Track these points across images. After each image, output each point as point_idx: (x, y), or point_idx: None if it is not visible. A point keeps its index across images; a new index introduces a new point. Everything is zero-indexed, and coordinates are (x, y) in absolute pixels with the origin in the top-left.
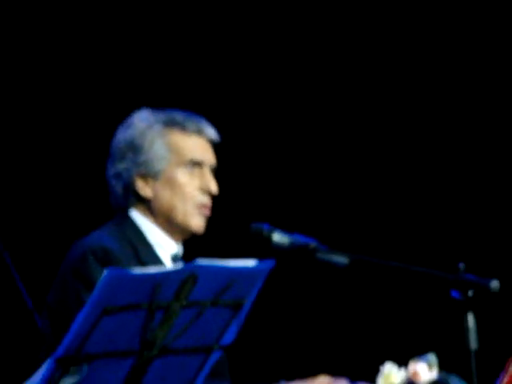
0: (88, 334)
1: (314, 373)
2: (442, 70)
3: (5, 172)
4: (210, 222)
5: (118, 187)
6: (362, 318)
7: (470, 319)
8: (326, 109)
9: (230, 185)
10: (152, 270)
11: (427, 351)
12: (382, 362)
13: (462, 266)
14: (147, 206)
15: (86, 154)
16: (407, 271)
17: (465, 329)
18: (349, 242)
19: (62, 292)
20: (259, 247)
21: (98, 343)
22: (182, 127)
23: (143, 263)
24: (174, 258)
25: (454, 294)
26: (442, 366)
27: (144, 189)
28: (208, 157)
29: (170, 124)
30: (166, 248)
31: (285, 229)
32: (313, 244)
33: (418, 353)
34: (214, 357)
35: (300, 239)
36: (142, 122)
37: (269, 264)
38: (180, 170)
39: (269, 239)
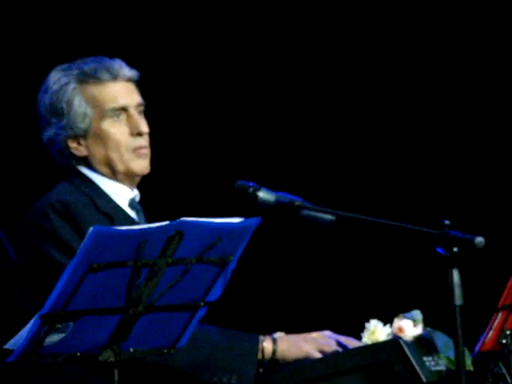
0: (74, 292)
1: (299, 329)
2: (432, 57)
3: None
4: (196, 180)
5: (55, 151)
6: (348, 274)
7: (455, 275)
8: (306, 75)
9: (215, 144)
10: (137, 226)
11: (412, 307)
12: (367, 319)
13: (447, 222)
14: (89, 162)
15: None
16: (392, 228)
17: (450, 285)
18: (334, 199)
19: (30, 253)
20: (245, 205)
21: (83, 300)
22: (96, 78)
23: (103, 213)
24: (131, 203)
25: (439, 250)
26: (427, 322)
27: (78, 149)
28: (130, 99)
29: (83, 78)
30: (122, 195)
31: (270, 187)
32: (298, 201)
33: (403, 309)
34: (200, 313)
35: (285, 197)
36: (56, 83)
37: (255, 221)
38: (105, 121)
39: (254, 197)
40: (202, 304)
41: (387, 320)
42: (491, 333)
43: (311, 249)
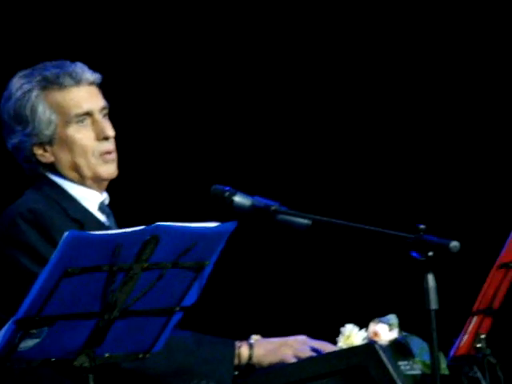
0: (48, 296)
1: (276, 333)
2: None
3: None
4: (171, 184)
5: (21, 159)
6: (323, 279)
7: (430, 279)
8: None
9: (192, 147)
10: (113, 231)
11: (388, 312)
12: (342, 324)
13: (422, 226)
14: (56, 168)
15: None
16: (368, 232)
17: (425, 289)
18: (310, 204)
19: (0, 262)
20: (221, 209)
21: (58, 305)
22: (58, 84)
23: (73, 219)
24: (101, 207)
25: (415, 254)
26: (403, 327)
27: (44, 156)
28: (94, 103)
29: (46, 84)
30: (91, 199)
31: (246, 192)
32: (274, 206)
33: (379, 314)
34: (176, 318)
35: (261, 201)
36: (19, 90)
37: (230, 225)
38: (70, 127)
39: (230, 201)
40: (178, 309)
41: (363, 324)
42: (466, 337)
43: (287, 253)
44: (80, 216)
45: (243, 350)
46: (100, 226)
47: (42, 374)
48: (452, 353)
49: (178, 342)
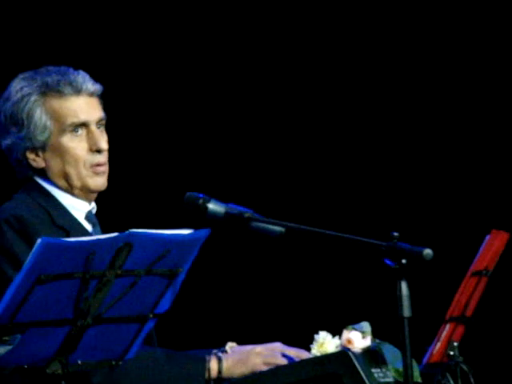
0: (21, 303)
1: (250, 340)
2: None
3: None
4: (145, 191)
5: (12, 159)
6: (297, 286)
7: (404, 287)
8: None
9: (164, 154)
10: (86, 238)
11: (361, 319)
12: (316, 331)
13: (395, 234)
14: (46, 174)
15: None
16: (341, 239)
17: (398, 296)
18: (283, 211)
19: None
20: (194, 216)
21: (31, 312)
22: (58, 91)
23: (59, 227)
24: (88, 217)
25: (388, 262)
26: (376, 334)
27: (36, 161)
28: (91, 114)
29: (45, 90)
30: (79, 208)
31: (220, 199)
32: (248, 213)
33: (352, 321)
34: (149, 325)
35: (235, 208)
36: (18, 93)
37: (204, 233)
38: (64, 136)
39: (204, 208)
40: (151, 316)
41: (336, 332)
42: (439, 344)
43: (261, 260)
44: (66, 224)
45: (213, 364)
46: (86, 234)
47: (14, 381)
48: (425, 360)
49: (148, 359)
